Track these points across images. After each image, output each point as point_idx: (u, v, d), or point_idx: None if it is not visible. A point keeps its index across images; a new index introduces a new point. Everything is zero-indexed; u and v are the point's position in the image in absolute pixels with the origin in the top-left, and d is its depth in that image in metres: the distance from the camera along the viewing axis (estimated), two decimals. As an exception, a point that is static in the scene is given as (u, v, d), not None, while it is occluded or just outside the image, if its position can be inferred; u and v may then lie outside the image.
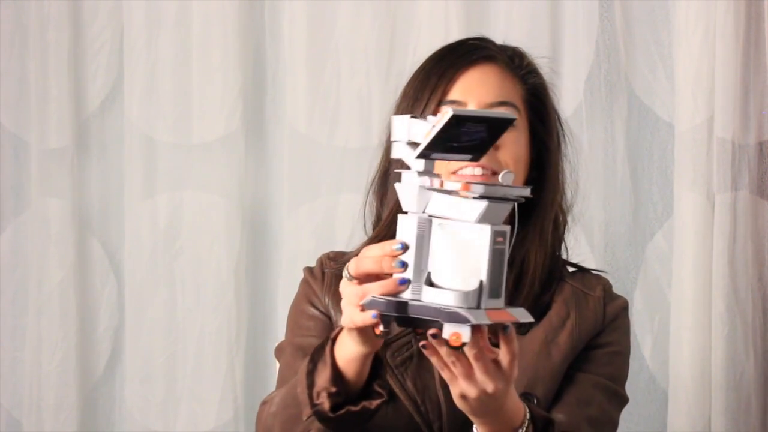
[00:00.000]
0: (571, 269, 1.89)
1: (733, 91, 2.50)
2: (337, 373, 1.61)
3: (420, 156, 1.48)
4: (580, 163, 1.93)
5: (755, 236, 2.53)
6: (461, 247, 1.47)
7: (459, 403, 1.54)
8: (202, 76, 2.70)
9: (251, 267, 2.72)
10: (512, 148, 1.78)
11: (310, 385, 1.62)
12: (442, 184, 1.47)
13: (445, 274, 1.47)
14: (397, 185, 1.50)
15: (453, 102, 1.78)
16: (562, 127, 1.88)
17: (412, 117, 1.50)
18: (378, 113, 2.64)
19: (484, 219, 1.46)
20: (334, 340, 1.63)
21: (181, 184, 2.72)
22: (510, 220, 1.49)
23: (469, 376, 1.50)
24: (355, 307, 1.51)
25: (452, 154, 1.49)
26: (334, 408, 1.61)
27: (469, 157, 1.49)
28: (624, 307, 1.86)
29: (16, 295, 2.74)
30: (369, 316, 1.50)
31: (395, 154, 1.51)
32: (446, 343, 1.46)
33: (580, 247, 2.51)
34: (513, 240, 1.51)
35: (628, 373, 1.87)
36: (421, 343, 1.51)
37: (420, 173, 1.49)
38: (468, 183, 1.45)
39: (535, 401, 1.76)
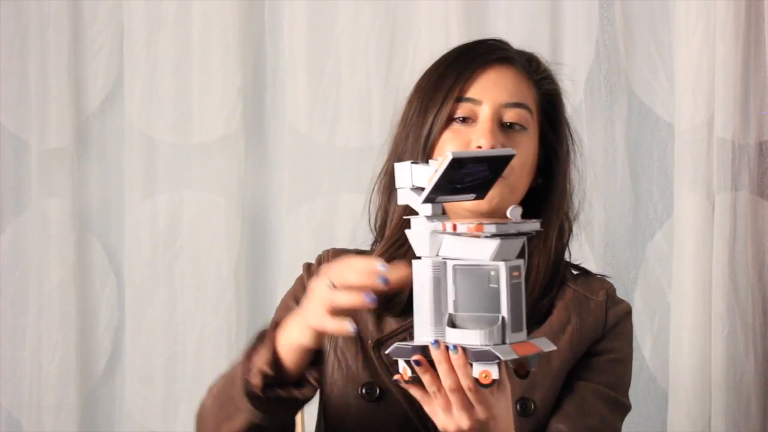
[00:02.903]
0: (574, 272, 1.87)
1: (733, 91, 2.50)
2: (275, 358, 1.62)
3: (426, 201, 1.50)
4: (587, 170, 1.92)
5: (755, 236, 2.53)
6: (479, 286, 1.48)
7: None
8: (202, 76, 2.70)
9: (251, 267, 2.72)
10: (521, 152, 1.78)
11: (247, 364, 1.63)
12: (455, 227, 1.48)
13: (467, 314, 1.49)
14: (407, 232, 1.52)
15: (469, 100, 1.78)
16: (572, 136, 1.87)
17: (413, 163, 1.52)
18: (378, 113, 2.64)
19: (498, 256, 1.47)
20: (277, 325, 1.63)
21: (181, 184, 2.72)
22: (521, 253, 1.50)
23: (447, 409, 1.52)
24: (325, 312, 1.53)
25: (457, 195, 1.50)
26: (264, 388, 1.62)
27: (473, 196, 1.51)
28: (627, 312, 1.85)
29: (16, 295, 2.74)
30: (345, 326, 1.52)
31: (401, 201, 1.53)
32: (477, 381, 1.49)
33: (581, 247, 2.51)
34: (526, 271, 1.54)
35: (630, 379, 1.85)
36: (395, 378, 1.53)
37: (428, 218, 1.50)
38: (481, 224, 1.46)
39: (533, 407, 1.76)
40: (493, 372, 1.47)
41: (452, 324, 1.49)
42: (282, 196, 2.71)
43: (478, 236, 1.47)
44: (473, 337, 1.47)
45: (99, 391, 2.77)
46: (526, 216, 1.82)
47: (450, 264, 1.50)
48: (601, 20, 2.62)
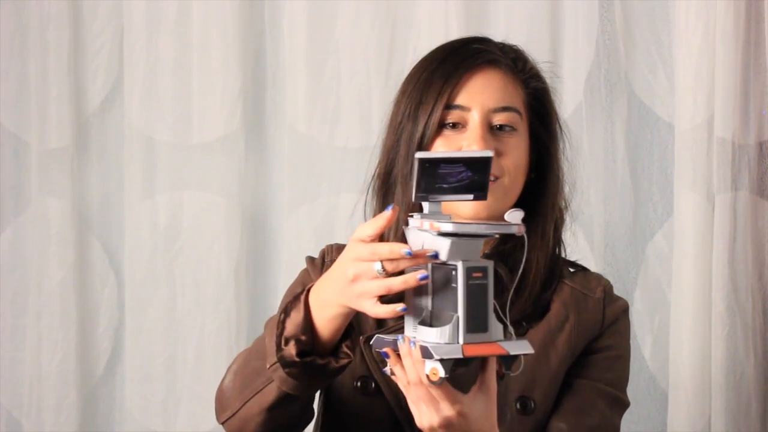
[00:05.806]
0: (571, 269, 1.88)
1: (733, 91, 2.50)
2: (309, 324, 1.62)
3: (417, 199, 1.51)
4: (579, 162, 1.93)
5: (755, 236, 2.53)
6: (447, 284, 1.51)
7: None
8: (202, 76, 2.70)
9: (251, 267, 2.72)
10: (514, 153, 1.78)
11: (280, 333, 1.63)
12: (421, 224, 1.51)
13: (440, 312, 1.52)
14: (404, 228, 1.55)
15: (458, 107, 1.78)
16: (561, 127, 1.88)
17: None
18: (378, 113, 2.64)
19: (453, 256, 1.50)
20: (309, 291, 1.63)
21: (181, 184, 2.72)
22: (519, 253, 1.51)
23: (415, 403, 1.55)
24: (376, 300, 1.54)
25: (451, 195, 1.51)
26: (300, 354, 1.62)
27: (471, 196, 1.52)
28: (624, 310, 1.85)
29: (16, 295, 2.74)
30: (396, 309, 1.53)
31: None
32: (427, 377, 1.52)
33: (580, 247, 2.51)
34: (520, 269, 1.59)
35: (628, 376, 1.86)
36: (383, 369, 1.57)
37: (424, 215, 1.52)
38: (438, 223, 1.49)
39: (533, 405, 1.76)
40: (440, 370, 1.49)
41: (429, 320, 1.52)
42: (282, 196, 2.71)
43: (439, 234, 1.49)
44: (430, 335, 1.50)
45: (99, 391, 2.77)
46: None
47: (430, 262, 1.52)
48: (601, 20, 2.62)
